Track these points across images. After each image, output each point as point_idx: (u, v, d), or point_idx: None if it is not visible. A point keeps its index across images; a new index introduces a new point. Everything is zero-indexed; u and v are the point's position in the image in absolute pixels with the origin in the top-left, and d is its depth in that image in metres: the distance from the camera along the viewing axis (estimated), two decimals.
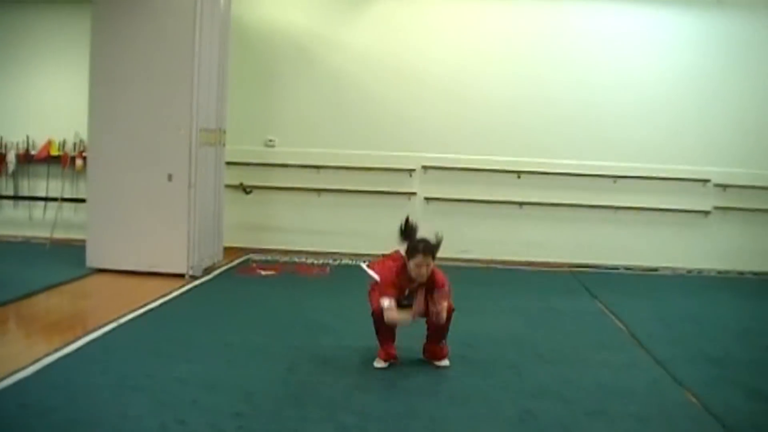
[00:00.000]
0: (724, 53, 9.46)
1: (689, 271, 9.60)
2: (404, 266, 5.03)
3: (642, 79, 9.47)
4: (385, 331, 5.11)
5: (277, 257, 9.14)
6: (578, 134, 9.39)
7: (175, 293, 7.07)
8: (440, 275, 5.09)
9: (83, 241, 8.01)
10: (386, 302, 4.94)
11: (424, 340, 5.30)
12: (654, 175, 9.34)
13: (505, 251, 9.55)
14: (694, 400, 4.77)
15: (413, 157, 9.49)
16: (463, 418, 4.28)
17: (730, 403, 4.71)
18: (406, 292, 5.06)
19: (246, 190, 9.49)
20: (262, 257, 9.08)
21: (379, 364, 5.15)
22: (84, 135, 8.47)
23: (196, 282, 7.63)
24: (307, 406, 4.33)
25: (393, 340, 5.17)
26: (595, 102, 9.43)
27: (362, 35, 9.55)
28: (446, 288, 5.08)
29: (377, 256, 9.23)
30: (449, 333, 5.25)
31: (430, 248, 4.98)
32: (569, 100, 9.44)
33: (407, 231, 5.09)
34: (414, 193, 9.53)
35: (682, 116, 9.47)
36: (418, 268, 4.94)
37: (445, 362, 5.25)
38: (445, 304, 5.03)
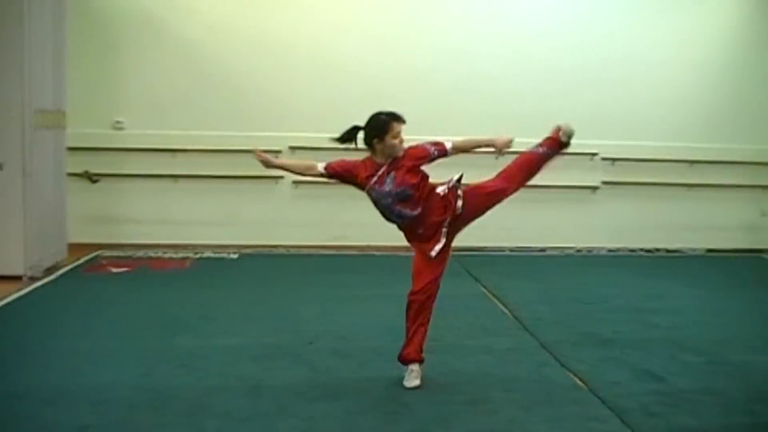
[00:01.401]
0: (609, 24, 9.88)
1: (578, 250, 9.98)
2: (367, 159, 4.87)
3: (527, 51, 9.74)
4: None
5: (131, 252, 8.91)
6: (461, 108, 9.51)
7: (10, 298, 6.77)
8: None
9: None
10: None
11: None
12: None
13: (382, 236, 9.51)
14: (580, 383, 4.97)
15: (279, 137, 9.36)
16: (336, 415, 4.31)
17: (616, 384, 4.95)
18: (377, 175, 4.78)
19: (92, 178, 9.17)
20: (114, 253, 8.82)
21: (417, 381, 4.81)
22: None
23: (37, 284, 7.33)
24: (164, 413, 4.26)
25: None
26: (478, 74, 9.61)
27: (217, 2, 9.38)
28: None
29: (242, 246, 9.28)
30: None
31: (399, 115, 4.85)
32: (450, 72, 9.58)
33: (349, 132, 4.97)
34: (281, 177, 9.44)
35: (567, 88, 9.78)
36: (395, 138, 4.74)
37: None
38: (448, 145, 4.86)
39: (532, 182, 9.52)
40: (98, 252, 8.81)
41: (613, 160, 9.94)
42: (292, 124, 9.40)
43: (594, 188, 10.02)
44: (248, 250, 9.21)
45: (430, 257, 4.88)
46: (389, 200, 4.77)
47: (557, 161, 9.74)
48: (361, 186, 4.87)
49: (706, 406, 4.62)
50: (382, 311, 6.62)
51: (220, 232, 9.36)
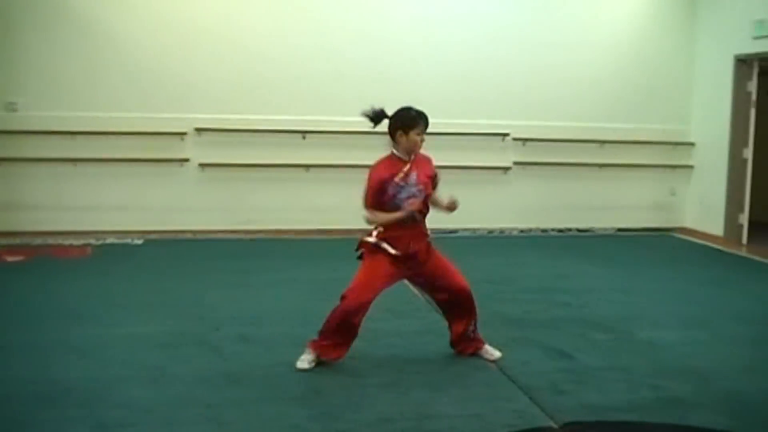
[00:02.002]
0: (519, 7, 10.06)
1: (490, 231, 10.14)
2: (389, 156, 4.96)
3: (435, 31, 9.81)
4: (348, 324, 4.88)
5: (28, 240, 8.69)
6: (369, 89, 9.45)
7: None
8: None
9: None
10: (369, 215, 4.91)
11: (449, 325, 5.20)
12: (450, 130, 9.51)
13: (292, 219, 9.61)
14: (490, 363, 5.08)
15: (184, 119, 9.26)
16: (242, 402, 4.31)
17: (526, 364, 5.08)
18: (404, 172, 4.89)
19: None
20: (9, 241, 8.59)
21: (304, 364, 4.86)
22: None
23: None
24: (62, 406, 4.19)
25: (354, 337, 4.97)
26: (385, 55, 9.64)
27: None
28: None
29: (147, 232, 9.14)
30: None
31: (427, 117, 4.98)
32: (359, 52, 9.60)
33: (377, 113, 4.98)
34: (187, 160, 9.33)
35: (478, 70, 9.92)
36: (419, 137, 4.93)
37: (496, 353, 5.17)
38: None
39: (442, 162, 9.62)
40: None
41: (525, 140, 10.11)
42: (198, 105, 9.30)
43: (506, 169, 10.19)
44: (153, 236, 9.07)
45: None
46: (412, 191, 4.91)
47: (469, 142, 9.98)
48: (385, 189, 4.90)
49: (612, 383, 4.78)
50: (291, 296, 6.67)
51: (123, 218, 9.19)
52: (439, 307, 5.29)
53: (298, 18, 9.53)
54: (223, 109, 9.33)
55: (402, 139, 4.89)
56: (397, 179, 4.86)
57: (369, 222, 4.93)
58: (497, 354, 5.14)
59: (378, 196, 4.86)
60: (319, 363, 4.88)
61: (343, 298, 4.89)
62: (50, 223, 9.06)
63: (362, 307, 4.88)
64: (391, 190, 4.86)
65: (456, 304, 5.08)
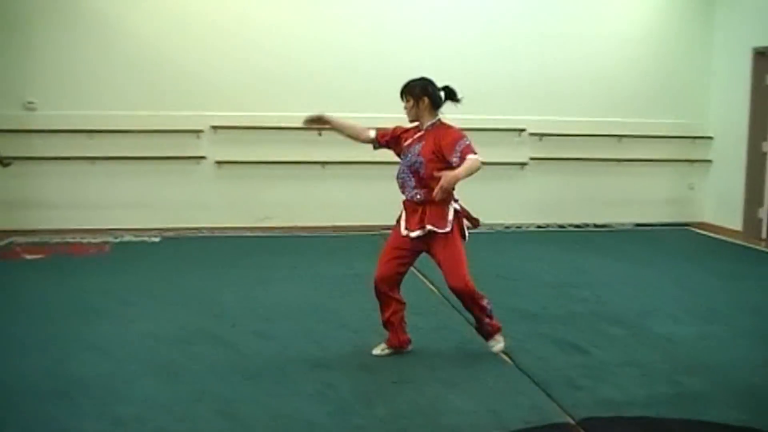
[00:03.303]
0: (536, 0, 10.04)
1: (507, 227, 10.09)
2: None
3: (450, 26, 9.76)
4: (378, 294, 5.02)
5: (47, 238, 8.72)
6: (384, 85, 9.36)
7: None
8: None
9: None
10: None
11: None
12: (466, 126, 9.38)
13: (307, 216, 9.61)
14: (506, 358, 5.07)
15: (201, 117, 9.29)
16: (257, 397, 4.31)
17: (542, 359, 5.06)
18: (413, 138, 4.97)
19: (3, 161, 8.93)
20: (28, 239, 8.63)
21: (379, 350, 5.07)
22: None
23: None
24: (79, 401, 4.22)
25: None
26: (400, 50, 9.58)
27: None
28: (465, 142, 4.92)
29: (164, 229, 9.17)
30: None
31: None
32: (374, 48, 9.57)
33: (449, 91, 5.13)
34: (203, 157, 9.36)
35: (496, 65, 9.86)
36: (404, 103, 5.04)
37: (499, 343, 5.15)
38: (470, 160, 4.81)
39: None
40: (11, 239, 8.61)
41: (541, 135, 10.07)
42: (214, 103, 9.30)
43: (522, 164, 10.15)
44: (170, 233, 9.10)
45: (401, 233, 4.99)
46: (407, 163, 4.93)
47: (485, 137, 9.91)
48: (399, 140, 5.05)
49: (629, 378, 4.74)
50: (307, 292, 6.66)
51: (140, 216, 9.22)
52: None
53: (313, 15, 9.51)
54: (239, 106, 9.34)
55: (423, 104, 5.00)
56: (406, 143, 4.97)
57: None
58: (496, 346, 5.09)
59: (393, 140, 5.04)
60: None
61: None
62: (68, 221, 9.12)
63: (379, 274, 4.98)
64: (403, 150, 4.99)
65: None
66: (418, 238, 4.91)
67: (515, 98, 9.96)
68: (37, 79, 9.05)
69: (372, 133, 5.12)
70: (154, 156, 9.19)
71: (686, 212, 10.72)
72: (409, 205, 4.96)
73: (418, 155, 4.85)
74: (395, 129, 5.09)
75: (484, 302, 5.02)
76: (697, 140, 10.54)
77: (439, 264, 4.97)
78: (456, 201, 5.00)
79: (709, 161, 10.61)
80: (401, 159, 4.99)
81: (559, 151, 10.16)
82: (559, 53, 10.03)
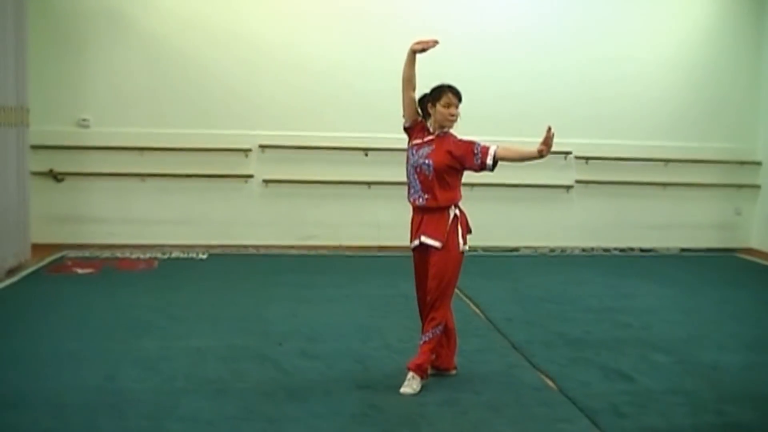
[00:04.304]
0: (584, 23, 9.97)
1: (552, 250, 10.05)
2: (423, 123, 5.05)
3: (495, 47, 9.76)
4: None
5: (97, 253, 8.87)
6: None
7: None
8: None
9: None
10: None
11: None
12: None
13: (352, 235, 9.66)
14: (550, 383, 5.04)
15: (249, 136, 9.40)
16: (302, 417, 4.34)
17: (586, 385, 5.03)
18: (423, 141, 4.96)
19: (57, 177, 9.13)
20: (79, 253, 8.78)
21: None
22: None
23: None
24: (128, 416, 4.27)
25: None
26: (445, 72, 9.42)
27: None
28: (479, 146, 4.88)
29: (211, 246, 9.27)
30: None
31: (455, 88, 5.04)
32: (418, 71, 9.43)
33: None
34: (251, 176, 9.46)
35: (542, 87, 9.85)
36: (446, 108, 4.94)
37: (412, 386, 4.83)
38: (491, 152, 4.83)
39: (505, 180, 9.55)
40: (63, 253, 8.77)
41: (587, 158, 10.03)
42: (262, 122, 9.41)
43: (568, 187, 10.11)
44: (217, 250, 9.20)
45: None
46: (413, 163, 4.94)
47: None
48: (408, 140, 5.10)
49: (675, 407, 4.70)
50: (352, 312, 6.68)
51: (188, 232, 9.34)
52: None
53: (359, 38, 9.57)
54: (287, 126, 9.44)
55: (432, 111, 4.97)
56: (414, 143, 4.98)
57: None
58: (407, 387, 4.79)
59: (412, 128, 5.05)
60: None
61: None
62: (118, 237, 9.26)
63: (420, 295, 5.12)
64: (409, 150, 5.00)
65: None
66: (417, 249, 5.02)
67: (562, 121, 9.75)
68: (91, 97, 9.23)
69: (415, 95, 5.16)
70: (203, 174, 9.30)
71: (733, 238, 10.58)
72: (414, 211, 5.06)
73: (427, 158, 4.87)
74: (418, 120, 5.07)
75: (441, 339, 4.97)
76: (746, 165, 10.42)
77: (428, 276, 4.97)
78: (456, 206, 4.99)
79: (758, 186, 10.47)
80: (408, 156, 5.00)
81: (605, 175, 10.10)
82: (606, 76, 10.00)
